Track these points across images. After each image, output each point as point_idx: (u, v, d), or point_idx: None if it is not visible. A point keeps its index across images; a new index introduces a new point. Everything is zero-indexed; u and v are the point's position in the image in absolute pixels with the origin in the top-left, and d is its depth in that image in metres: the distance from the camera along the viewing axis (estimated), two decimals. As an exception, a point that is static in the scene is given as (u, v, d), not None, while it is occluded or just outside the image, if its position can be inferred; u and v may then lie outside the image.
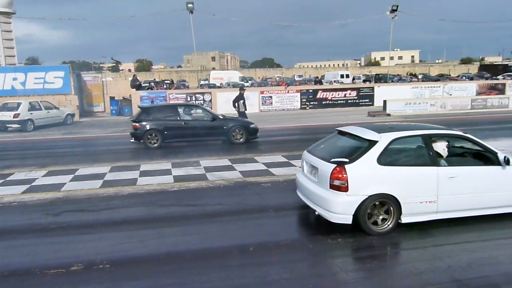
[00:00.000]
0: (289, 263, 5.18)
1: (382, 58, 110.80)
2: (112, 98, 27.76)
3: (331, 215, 5.87)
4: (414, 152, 6.33)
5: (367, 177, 5.83)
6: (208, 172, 10.19)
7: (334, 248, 5.68)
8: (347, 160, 5.89)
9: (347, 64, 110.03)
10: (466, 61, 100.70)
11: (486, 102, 26.14)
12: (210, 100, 25.78)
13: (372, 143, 6.01)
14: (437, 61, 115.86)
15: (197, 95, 26.26)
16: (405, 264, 5.31)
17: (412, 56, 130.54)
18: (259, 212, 7.22)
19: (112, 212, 7.40)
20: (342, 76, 51.29)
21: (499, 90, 30.43)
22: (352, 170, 5.75)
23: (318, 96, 27.86)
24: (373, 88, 29.73)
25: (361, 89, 29.39)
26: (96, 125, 22.17)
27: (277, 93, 27.57)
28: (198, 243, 5.92)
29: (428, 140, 6.20)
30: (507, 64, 59.60)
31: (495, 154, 6.35)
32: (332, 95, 27.96)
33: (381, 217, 5.95)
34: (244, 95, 17.70)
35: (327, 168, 5.95)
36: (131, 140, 14.28)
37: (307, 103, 27.69)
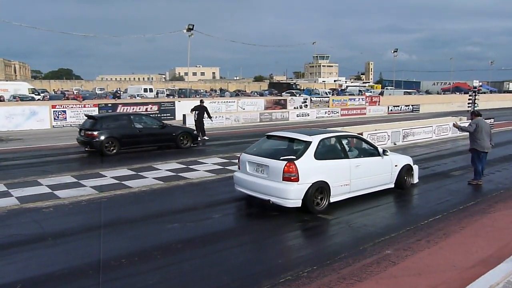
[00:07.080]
0: (64, 295, 4.73)
1: (186, 73, 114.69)
2: None
3: (286, 202, 7.43)
4: (333, 148, 8.36)
5: (309, 169, 7.54)
6: (-27, 201, 8.56)
7: (127, 267, 5.46)
8: (294, 157, 7.53)
9: (152, 78, 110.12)
10: (258, 78, 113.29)
11: (272, 116, 29.84)
12: (-13, 116, 21.97)
13: (308, 143, 7.81)
14: (235, 78, 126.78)
15: (-32, 110, 22.06)
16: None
17: (213, 73, 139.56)
18: (35, 242, 6.41)
19: None
20: (145, 90, 50.74)
21: (282, 105, 35.18)
22: (299, 164, 7.41)
23: (118, 111, 26.81)
24: (174, 102, 30.43)
25: (162, 103, 29.73)
26: None
27: (72, 107, 25.44)
28: None
29: (340, 139, 8.45)
30: (289, 83, 69.47)
31: (376, 148, 9.05)
32: (133, 109, 27.30)
33: (319, 198, 7.74)
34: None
35: (279, 164, 7.49)
36: (86, 148, 14.62)
37: (106, 117, 26.35)
